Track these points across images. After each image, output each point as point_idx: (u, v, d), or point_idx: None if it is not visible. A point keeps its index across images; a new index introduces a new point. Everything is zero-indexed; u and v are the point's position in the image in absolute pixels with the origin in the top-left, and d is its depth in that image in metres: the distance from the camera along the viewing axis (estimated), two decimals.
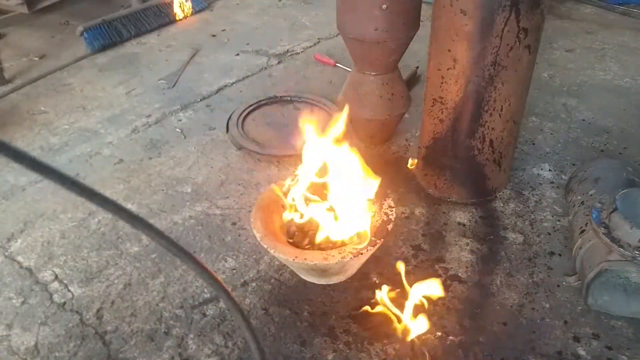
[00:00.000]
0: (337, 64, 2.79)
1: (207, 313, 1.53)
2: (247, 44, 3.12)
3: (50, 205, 1.95)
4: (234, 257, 1.71)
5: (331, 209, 1.50)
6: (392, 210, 1.53)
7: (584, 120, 2.31)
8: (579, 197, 1.69)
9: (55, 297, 1.60)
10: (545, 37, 2.00)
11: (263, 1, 3.69)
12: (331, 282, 1.57)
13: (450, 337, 1.44)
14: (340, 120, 1.46)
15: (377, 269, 1.63)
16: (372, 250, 1.44)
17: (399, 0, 1.77)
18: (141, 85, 2.73)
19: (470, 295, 1.56)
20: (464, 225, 1.80)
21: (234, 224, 1.84)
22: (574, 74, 2.65)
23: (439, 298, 1.50)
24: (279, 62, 2.91)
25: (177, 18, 3.41)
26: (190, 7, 3.48)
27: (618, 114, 2.33)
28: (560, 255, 1.67)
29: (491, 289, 1.57)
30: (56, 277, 1.67)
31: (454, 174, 1.84)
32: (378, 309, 1.46)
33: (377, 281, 1.59)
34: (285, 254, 1.42)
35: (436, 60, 1.67)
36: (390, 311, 1.44)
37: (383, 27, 1.80)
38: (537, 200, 1.89)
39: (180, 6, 3.41)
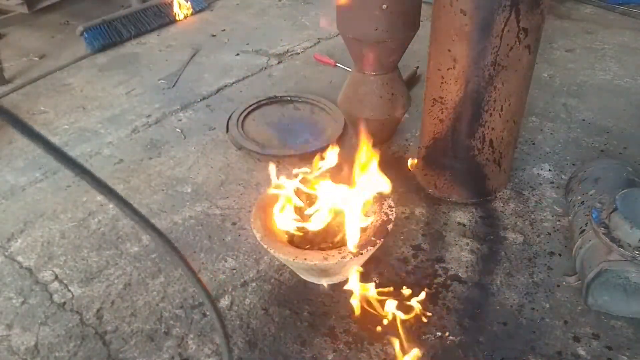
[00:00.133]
0: (337, 64, 2.79)
1: (207, 313, 1.53)
2: (247, 44, 3.12)
3: (50, 205, 1.96)
4: (234, 257, 1.71)
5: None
6: (392, 210, 1.53)
7: (584, 120, 2.31)
8: (579, 197, 1.69)
9: (55, 297, 1.60)
10: (545, 37, 2.00)
11: (263, 1, 3.69)
12: (331, 282, 1.57)
13: (450, 337, 1.44)
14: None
15: (377, 269, 1.63)
16: (372, 250, 1.44)
17: (399, 0, 1.77)
18: (141, 85, 2.73)
19: (470, 295, 1.56)
20: (464, 225, 1.80)
21: (234, 224, 1.84)
22: (574, 74, 2.65)
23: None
24: (279, 62, 2.91)
25: (177, 18, 3.41)
26: (190, 7, 3.48)
27: (618, 114, 2.33)
28: (560, 255, 1.67)
29: (491, 289, 1.57)
30: (56, 277, 1.67)
31: (454, 174, 1.84)
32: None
33: (377, 281, 1.59)
34: (285, 254, 1.42)
35: (436, 60, 1.67)
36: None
37: (383, 27, 1.80)
38: (537, 200, 1.89)
39: (180, 6, 3.41)
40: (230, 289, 1.60)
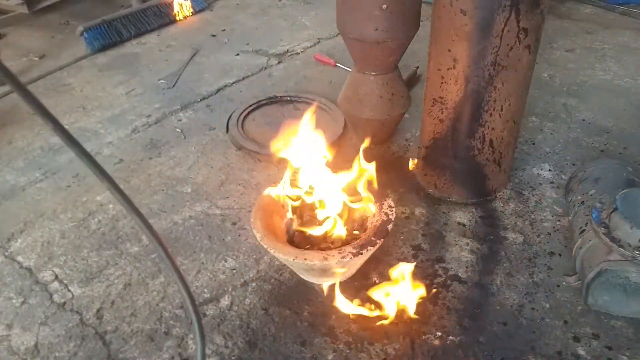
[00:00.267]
0: (337, 64, 2.79)
1: (207, 313, 1.53)
2: (247, 44, 3.12)
3: (50, 205, 1.96)
4: (234, 257, 1.71)
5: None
6: (392, 210, 1.53)
7: (584, 120, 2.31)
8: (579, 197, 1.69)
9: (55, 297, 1.60)
10: (545, 37, 2.00)
11: (263, 1, 3.69)
12: (331, 282, 1.57)
13: (450, 337, 1.44)
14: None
15: (377, 269, 1.63)
16: (372, 250, 1.44)
17: (399, 0, 1.77)
18: (141, 85, 2.73)
19: (470, 295, 1.56)
20: (464, 225, 1.80)
21: (234, 224, 1.84)
22: (574, 74, 2.64)
23: (434, 294, 1.50)
24: (279, 62, 2.91)
25: (177, 18, 3.41)
26: (190, 7, 3.48)
27: (618, 114, 2.33)
28: (560, 255, 1.67)
29: (491, 289, 1.57)
30: (56, 277, 1.67)
31: (454, 174, 1.84)
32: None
33: (377, 281, 1.59)
34: (285, 254, 1.42)
35: (436, 60, 1.67)
36: None
37: (383, 27, 1.80)
38: (537, 200, 1.89)
39: (180, 6, 3.41)
40: (230, 289, 1.60)
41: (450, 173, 1.84)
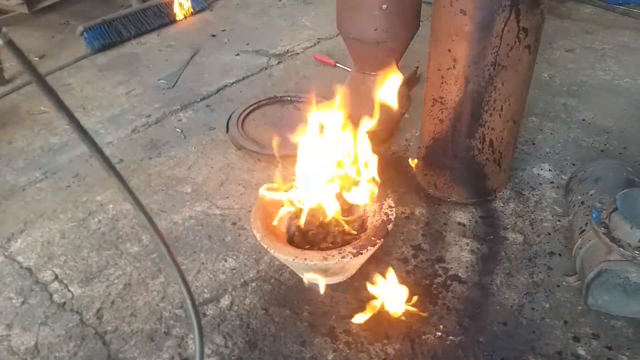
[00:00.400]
0: (337, 64, 2.79)
1: (207, 313, 1.53)
2: (247, 44, 3.12)
3: (50, 205, 1.96)
4: (234, 257, 1.71)
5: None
6: (392, 210, 1.53)
7: (584, 120, 2.31)
8: (579, 197, 1.69)
9: (55, 297, 1.60)
10: (545, 37, 2.00)
11: (263, 1, 3.69)
12: (331, 282, 1.57)
13: (450, 337, 1.44)
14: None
15: (377, 269, 1.63)
16: (372, 250, 1.44)
17: (399, 0, 1.77)
18: (141, 85, 2.73)
19: (470, 295, 1.56)
20: (464, 225, 1.80)
21: (234, 224, 1.84)
22: (574, 74, 2.64)
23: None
24: (279, 62, 2.91)
25: (177, 18, 3.41)
26: (190, 7, 3.48)
27: (618, 114, 2.33)
28: (560, 255, 1.67)
29: (491, 289, 1.57)
30: (56, 277, 1.67)
31: (454, 174, 1.84)
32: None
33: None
34: (285, 254, 1.42)
35: (436, 60, 1.67)
36: None
37: (383, 27, 1.80)
38: (537, 200, 1.89)
39: (180, 6, 3.41)
40: (230, 289, 1.60)
41: (450, 173, 1.84)
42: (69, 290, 1.62)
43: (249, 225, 1.73)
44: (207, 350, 1.43)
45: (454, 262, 1.66)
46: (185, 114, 2.48)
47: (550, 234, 1.75)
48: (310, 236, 1.58)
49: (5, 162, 2.20)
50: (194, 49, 3.07)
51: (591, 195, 1.65)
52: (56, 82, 2.77)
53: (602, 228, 1.44)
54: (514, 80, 1.61)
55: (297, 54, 2.99)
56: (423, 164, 1.94)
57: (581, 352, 1.39)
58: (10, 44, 0.55)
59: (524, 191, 1.93)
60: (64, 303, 1.58)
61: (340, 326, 1.47)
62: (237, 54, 3.01)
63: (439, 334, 1.45)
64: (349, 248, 1.42)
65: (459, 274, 1.62)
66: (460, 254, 1.69)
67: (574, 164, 2.04)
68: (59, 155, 2.22)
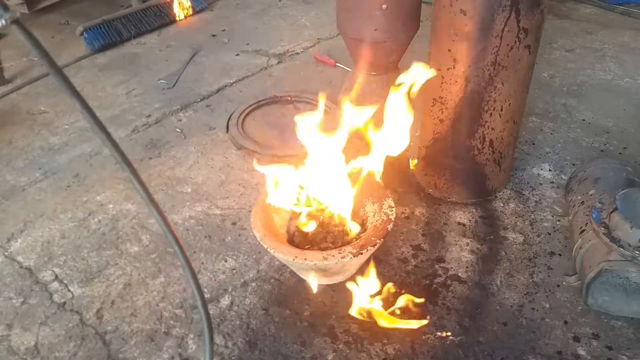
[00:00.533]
0: (337, 64, 2.79)
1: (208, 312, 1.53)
2: (247, 44, 3.12)
3: (50, 205, 1.96)
4: (234, 257, 1.71)
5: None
6: (392, 210, 1.53)
7: (584, 120, 2.31)
8: (579, 197, 1.69)
9: (55, 297, 1.60)
10: (545, 37, 2.00)
11: (263, 1, 3.69)
12: (331, 282, 1.57)
13: (450, 337, 1.44)
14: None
15: (377, 269, 1.63)
16: (372, 250, 1.44)
17: (399, 0, 1.77)
18: (141, 85, 2.73)
19: (470, 295, 1.56)
20: (464, 225, 1.80)
21: (234, 224, 1.84)
22: (574, 74, 2.64)
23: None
24: (279, 62, 2.91)
25: (177, 18, 3.41)
26: (190, 7, 3.48)
27: (618, 114, 2.33)
28: (560, 255, 1.67)
29: (491, 289, 1.57)
30: (56, 277, 1.67)
31: (454, 174, 1.84)
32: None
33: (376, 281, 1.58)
34: (285, 254, 1.42)
35: (436, 60, 1.67)
36: None
37: (383, 27, 1.80)
38: (537, 200, 1.89)
39: (180, 6, 3.41)
40: (230, 289, 1.60)
41: (450, 173, 1.84)
42: (69, 290, 1.62)
43: (249, 225, 1.73)
44: None
45: (454, 262, 1.66)
46: (185, 114, 2.48)
47: (550, 234, 1.75)
48: (310, 236, 1.58)
49: (5, 162, 2.20)
50: (194, 49, 3.07)
51: (591, 195, 1.65)
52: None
53: (602, 228, 1.44)
54: (514, 80, 1.61)
55: (297, 54, 2.99)
56: (423, 164, 1.94)
57: (581, 352, 1.39)
58: (18, 23, 0.55)
59: (524, 191, 1.93)
60: (64, 303, 1.58)
61: (340, 326, 1.47)
62: (237, 54, 3.01)
63: (439, 334, 1.45)
64: (349, 248, 1.42)
65: (459, 274, 1.62)
66: (460, 254, 1.69)
67: (574, 164, 2.04)
68: (59, 155, 2.22)
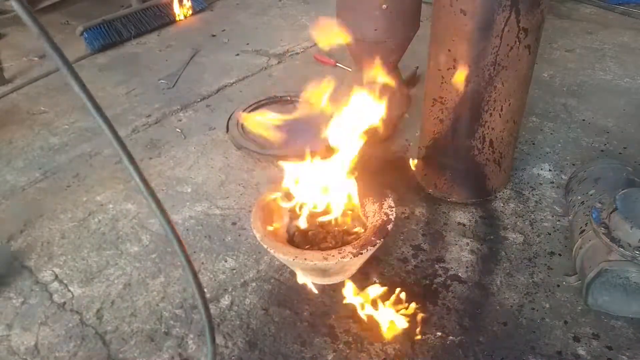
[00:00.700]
0: (337, 64, 2.79)
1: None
2: (247, 44, 3.12)
3: (50, 205, 1.95)
4: (234, 257, 1.71)
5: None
6: (392, 210, 1.53)
7: (584, 120, 2.31)
8: (579, 197, 1.69)
9: (55, 297, 1.60)
10: (545, 37, 2.00)
11: (263, 1, 3.69)
12: (331, 282, 1.57)
13: (450, 337, 1.44)
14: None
15: (377, 269, 1.63)
16: (372, 250, 1.44)
17: (399, 0, 1.77)
18: (141, 85, 2.73)
19: (470, 295, 1.56)
20: (464, 225, 1.80)
21: (234, 224, 1.84)
22: (574, 74, 2.64)
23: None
24: (279, 62, 2.91)
25: (177, 18, 3.41)
26: (190, 7, 3.48)
27: (618, 114, 2.33)
28: (560, 255, 1.67)
29: (491, 289, 1.57)
30: (56, 277, 1.67)
31: (454, 174, 1.84)
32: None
33: (377, 281, 1.59)
34: (285, 254, 1.42)
35: (436, 60, 1.67)
36: None
37: (383, 27, 1.80)
38: (537, 200, 1.89)
39: (180, 6, 3.41)
40: (230, 289, 1.60)
41: (450, 173, 1.84)
42: (69, 290, 1.62)
43: (249, 225, 1.73)
44: (207, 351, 1.43)
45: (454, 262, 1.66)
46: (185, 114, 2.48)
47: (550, 234, 1.75)
48: (310, 236, 1.58)
49: (5, 162, 2.20)
50: (194, 49, 3.07)
51: (591, 195, 1.65)
52: (56, 82, 2.77)
53: (602, 228, 1.44)
54: (514, 80, 1.61)
55: (297, 54, 2.99)
56: (423, 164, 1.94)
57: (581, 352, 1.39)
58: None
59: (524, 191, 1.93)
60: (64, 303, 1.58)
61: (340, 326, 1.47)
62: (237, 54, 3.01)
63: (439, 334, 1.45)
64: (349, 248, 1.42)
65: (459, 274, 1.62)
66: (461, 254, 1.69)
67: (574, 164, 2.04)
68: (59, 155, 2.22)
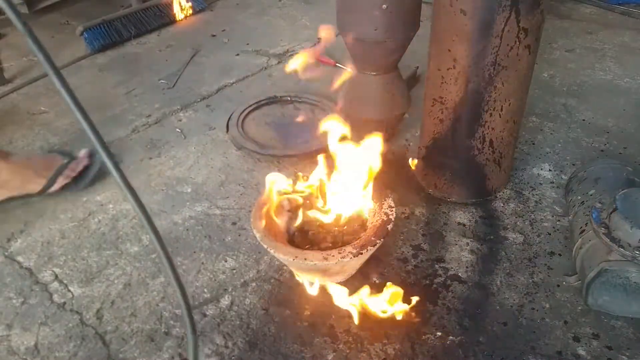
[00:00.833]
0: (337, 64, 2.79)
1: (207, 313, 1.53)
2: (247, 44, 3.12)
3: (50, 205, 1.95)
4: (234, 257, 1.71)
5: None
6: (392, 210, 1.53)
7: (584, 120, 2.31)
8: (579, 197, 1.69)
9: (55, 297, 1.60)
10: (545, 37, 2.00)
11: (263, 1, 3.69)
12: (331, 282, 1.57)
13: (450, 337, 1.44)
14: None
15: (377, 269, 1.63)
16: (372, 250, 1.44)
17: (399, 0, 1.77)
18: (141, 85, 2.73)
19: (470, 295, 1.56)
20: (464, 225, 1.80)
21: (234, 224, 1.84)
22: (574, 74, 2.65)
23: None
24: (279, 62, 2.91)
25: (177, 18, 3.41)
26: (190, 7, 3.48)
27: (618, 114, 2.34)
28: (560, 255, 1.67)
29: (491, 289, 1.57)
30: (56, 277, 1.67)
31: (454, 174, 1.84)
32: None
33: (377, 281, 1.59)
34: (285, 254, 1.42)
35: (436, 60, 1.67)
36: None
37: (383, 27, 1.80)
38: (537, 200, 1.89)
39: (180, 6, 3.41)
40: (230, 289, 1.60)
41: (450, 173, 1.84)
42: (69, 290, 1.62)
43: (249, 225, 1.73)
44: (207, 350, 1.43)
45: (454, 262, 1.66)
46: (185, 114, 2.48)
47: (550, 234, 1.75)
48: (310, 236, 1.58)
49: None
50: (194, 49, 3.07)
51: (591, 195, 1.65)
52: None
53: (602, 228, 1.44)
54: (514, 80, 1.61)
55: (297, 53, 2.99)
56: (423, 164, 1.94)
57: (581, 352, 1.39)
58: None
59: (524, 191, 1.93)
60: (64, 303, 1.58)
61: (340, 326, 1.47)
62: (237, 54, 3.01)
63: (439, 334, 1.45)
64: (349, 248, 1.42)
65: (459, 274, 1.62)
66: (460, 254, 1.69)
67: (574, 164, 2.04)
68: None
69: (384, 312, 1.44)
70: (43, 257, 1.74)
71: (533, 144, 2.17)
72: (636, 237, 1.37)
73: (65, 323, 1.52)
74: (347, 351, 1.41)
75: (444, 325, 1.47)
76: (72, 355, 1.44)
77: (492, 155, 1.78)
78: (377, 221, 1.52)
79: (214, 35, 3.25)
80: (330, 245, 1.53)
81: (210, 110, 2.50)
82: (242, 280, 1.63)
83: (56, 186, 1.94)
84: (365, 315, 1.46)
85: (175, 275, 0.79)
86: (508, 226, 1.79)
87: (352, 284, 1.58)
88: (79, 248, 1.77)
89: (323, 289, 1.56)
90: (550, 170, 2.02)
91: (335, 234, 1.57)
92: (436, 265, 1.65)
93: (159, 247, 0.75)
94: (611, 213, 1.44)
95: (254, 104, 2.42)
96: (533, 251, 1.69)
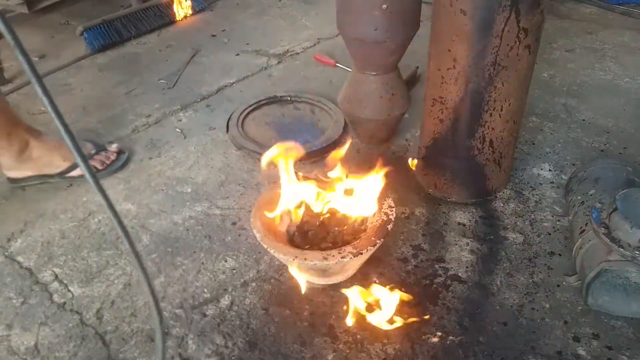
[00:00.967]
0: (337, 64, 2.79)
1: (207, 313, 1.53)
2: (247, 44, 3.12)
3: (50, 205, 1.96)
4: (234, 257, 1.71)
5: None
6: (392, 210, 1.53)
7: (584, 120, 2.31)
8: (579, 197, 1.69)
9: (55, 297, 1.60)
10: (545, 37, 2.00)
11: (263, 1, 3.69)
12: (331, 282, 1.57)
13: (450, 337, 1.44)
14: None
15: (377, 269, 1.63)
16: (372, 250, 1.44)
17: (399, 0, 1.77)
18: (141, 85, 2.73)
19: (471, 295, 1.56)
20: (464, 225, 1.80)
21: (234, 224, 1.84)
22: (574, 74, 2.65)
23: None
24: (279, 62, 2.91)
25: (177, 18, 3.41)
26: (190, 7, 3.48)
27: (618, 114, 2.34)
28: (560, 255, 1.67)
29: (491, 289, 1.57)
30: (56, 277, 1.67)
31: (454, 174, 1.84)
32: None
33: (377, 281, 1.59)
34: (285, 254, 1.42)
35: (436, 60, 1.67)
36: None
37: (383, 27, 1.80)
38: (537, 200, 1.89)
39: (180, 6, 3.41)
40: (230, 289, 1.60)
41: (450, 173, 1.84)
42: (69, 290, 1.62)
43: (249, 225, 1.73)
44: (207, 351, 1.43)
45: (454, 262, 1.66)
46: (185, 114, 2.48)
47: (550, 234, 1.75)
48: (310, 236, 1.58)
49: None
50: (194, 49, 3.07)
51: (591, 195, 1.65)
52: (56, 82, 2.78)
53: (602, 228, 1.44)
54: (514, 80, 1.61)
55: (297, 54, 2.99)
56: (423, 164, 1.94)
57: (581, 352, 1.39)
58: None
59: (524, 191, 1.93)
60: (64, 303, 1.58)
61: (340, 326, 1.47)
62: (237, 54, 3.01)
63: (439, 334, 1.45)
64: (349, 248, 1.42)
65: (459, 274, 1.62)
66: (460, 254, 1.69)
67: (574, 164, 2.04)
68: None
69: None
70: (43, 257, 1.74)
71: (533, 144, 2.17)
72: (636, 237, 1.37)
73: (65, 323, 1.52)
74: (347, 351, 1.41)
75: (444, 325, 1.47)
76: (72, 355, 1.44)
77: (492, 155, 1.78)
78: (377, 221, 1.52)
79: (214, 35, 3.25)
80: (330, 245, 1.53)
81: (210, 110, 2.50)
82: (242, 280, 1.63)
83: (76, 172, 2.01)
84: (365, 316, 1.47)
85: (134, 250, 0.79)
86: (508, 226, 1.79)
87: (352, 284, 1.58)
88: (79, 248, 1.77)
89: (323, 289, 1.57)
90: (550, 170, 2.02)
91: (335, 234, 1.57)
92: (436, 265, 1.65)
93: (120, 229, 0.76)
94: (611, 213, 1.44)
95: (254, 104, 2.42)
96: (533, 251, 1.69)
